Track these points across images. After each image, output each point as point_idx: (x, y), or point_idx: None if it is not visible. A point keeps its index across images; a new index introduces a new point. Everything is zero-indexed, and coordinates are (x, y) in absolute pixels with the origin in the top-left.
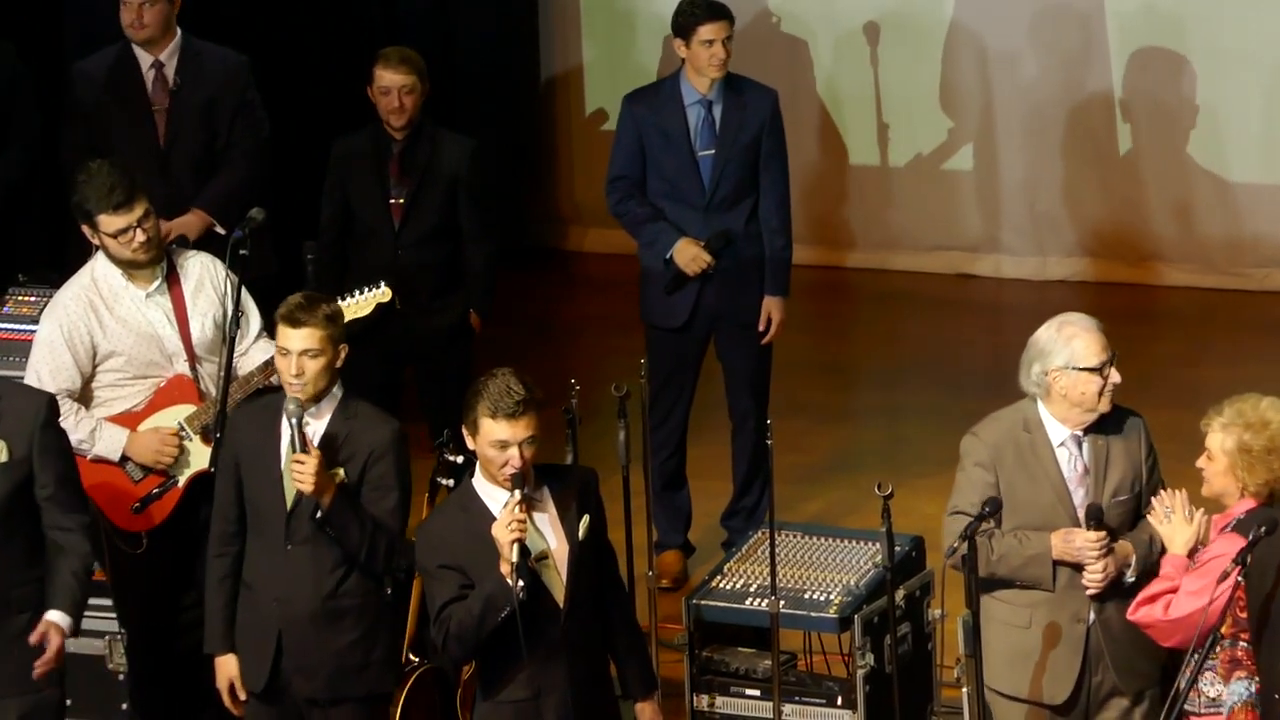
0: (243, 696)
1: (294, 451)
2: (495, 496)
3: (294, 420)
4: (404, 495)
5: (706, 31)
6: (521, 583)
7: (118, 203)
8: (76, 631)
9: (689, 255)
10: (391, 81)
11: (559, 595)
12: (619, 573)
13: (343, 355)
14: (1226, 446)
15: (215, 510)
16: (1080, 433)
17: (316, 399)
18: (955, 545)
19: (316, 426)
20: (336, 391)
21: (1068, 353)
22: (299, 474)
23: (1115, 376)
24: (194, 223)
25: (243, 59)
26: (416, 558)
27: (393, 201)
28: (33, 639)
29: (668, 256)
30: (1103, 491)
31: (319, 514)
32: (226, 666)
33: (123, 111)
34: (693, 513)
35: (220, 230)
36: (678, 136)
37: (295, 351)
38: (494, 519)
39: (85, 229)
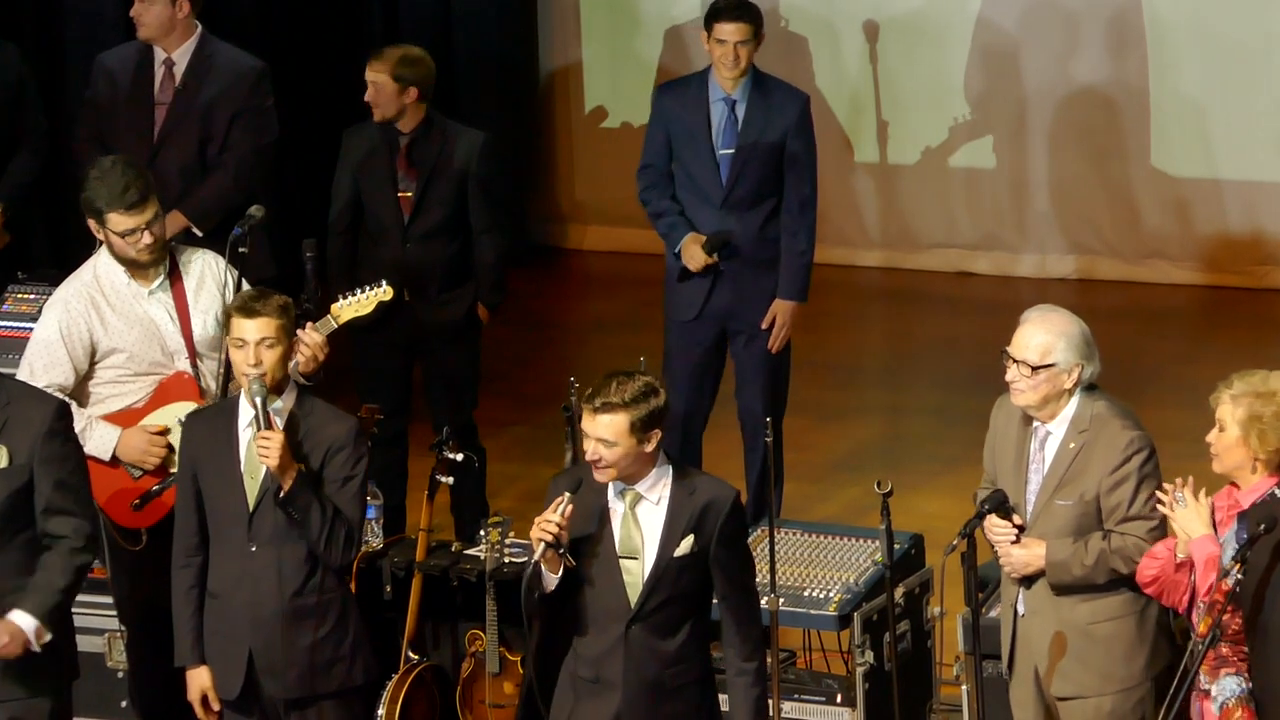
0: (216, 707)
1: (258, 431)
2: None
3: (259, 399)
4: (362, 487)
5: (720, 31)
6: (554, 576)
7: (131, 202)
8: (47, 624)
9: (688, 253)
10: (368, 78)
11: (633, 598)
12: (751, 598)
13: (295, 350)
14: (1238, 416)
15: (176, 522)
16: (1050, 425)
17: (275, 392)
18: (955, 543)
19: (278, 422)
20: (291, 390)
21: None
22: (264, 449)
23: (1009, 374)
24: (170, 224)
25: (257, 65)
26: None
27: (401, 195)
28: None
29: (676, 251)
30: (1051, 490)
31: (281, 495)
32: (198, 678)
33: (128, 104)
34: None
35: (197, 232)
36: (700, 133)
37: (252, 341)
38: (605, 499)
39: (91, 223)
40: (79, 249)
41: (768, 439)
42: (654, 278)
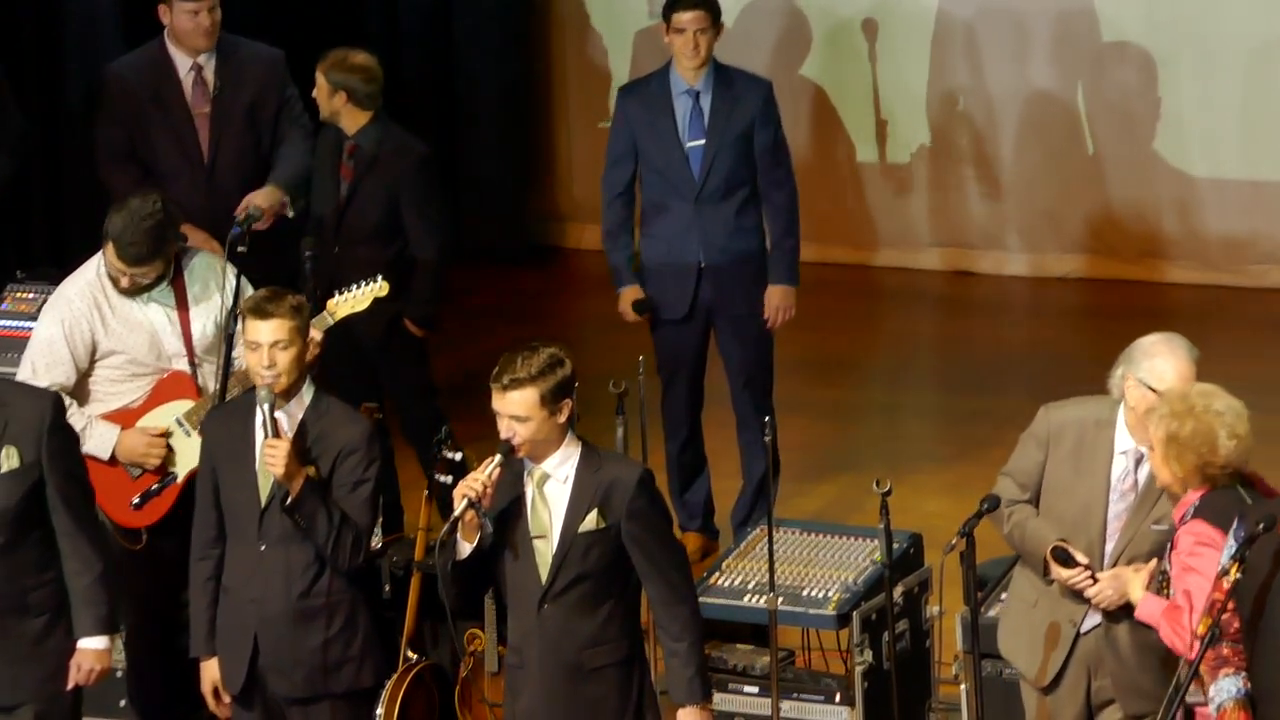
0: (226, 699)
1: (266, 438)
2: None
3: (265, 406)
4: (375, 491)
5: (678, 20)
6: (467, 545)
7: (133, 257)
8: (115, 630)
9: (623, 302)
10: (316, 77)
11: (544, 576)
12: (674, 576)
13: (312, 348)
14: (1158, 436)
15: (196, 515)
16: (1145, 450)
17: (289, 393)
18: (954, 542)
19: (289, 425)
20: (308, 390)
21: (1148, 366)
22: (271, 458)
23: None
24: (270, 196)
25: (278, 53)
26: None
27: (340, 197)
28: (73, 680)
29: (618, 291)
30: (1145, 514)
31: (287, 501)
32: (210, 670)
33: (164, 119)
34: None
35: (289, 214)
36: (666, 128)
37: (266, 344)
38: (522, 480)
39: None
40: (79, 248)
41: (767, 439)
42: None
